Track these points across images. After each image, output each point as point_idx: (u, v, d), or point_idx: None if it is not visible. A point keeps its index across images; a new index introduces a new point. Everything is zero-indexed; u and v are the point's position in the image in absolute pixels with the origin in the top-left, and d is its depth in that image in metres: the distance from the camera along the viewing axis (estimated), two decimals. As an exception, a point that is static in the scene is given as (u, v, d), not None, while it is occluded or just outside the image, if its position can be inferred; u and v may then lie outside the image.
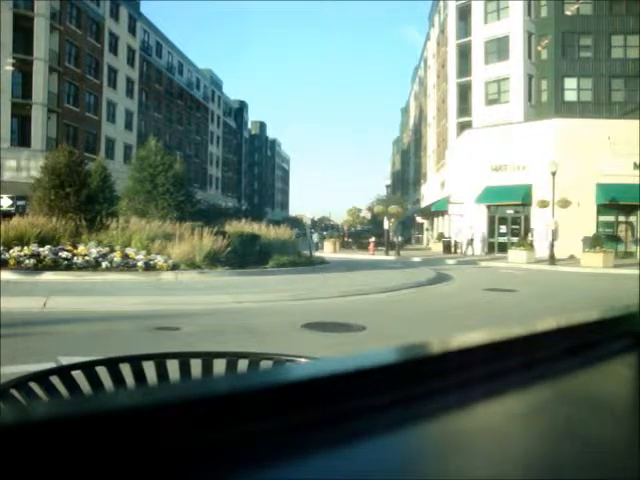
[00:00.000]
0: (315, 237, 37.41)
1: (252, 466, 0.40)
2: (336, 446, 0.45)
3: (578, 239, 24.03)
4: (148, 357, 1.75)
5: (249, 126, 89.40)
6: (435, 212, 39.36)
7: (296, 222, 59.35)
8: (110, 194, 19.41)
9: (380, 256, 26.61)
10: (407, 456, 0.48)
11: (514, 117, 32.73)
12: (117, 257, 13.09)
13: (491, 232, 29.83)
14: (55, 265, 12.47)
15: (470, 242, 29.04)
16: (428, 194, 48.79)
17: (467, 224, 29.36)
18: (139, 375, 1.68)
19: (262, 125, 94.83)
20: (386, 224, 30.10)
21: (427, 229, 47.62)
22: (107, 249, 13.47)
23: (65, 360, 4.64)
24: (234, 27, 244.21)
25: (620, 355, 0.79)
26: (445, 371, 0.59)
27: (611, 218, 27.66)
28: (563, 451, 0.49)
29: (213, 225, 16.14)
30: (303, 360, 1.74)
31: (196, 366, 1.78)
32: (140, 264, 13.03)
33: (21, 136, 34.09)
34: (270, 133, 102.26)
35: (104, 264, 12.84)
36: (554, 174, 21.71)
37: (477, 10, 36.96)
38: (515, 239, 26.76)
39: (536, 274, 18.57)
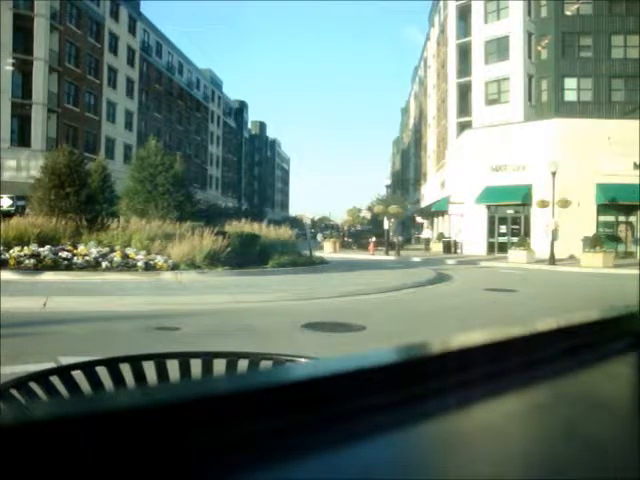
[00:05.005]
0: (319, 237, 37.64)
1: (252, 466, 0.40)
2: (336, 446, 0.45)
3: (578, 239, 24.04)
4: (148, 357, 1.75)
5: (249, 126, 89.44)
6: (435, 212, 39.37)
7: (296, 222, 59.38)
8: (110, 194, 19.43)
9: (380, 256, 26.60)
10: (407, 456, 0.48)
11: (514, 117, 32.74)
12: (117, 257, 13.09)
13: (491, 232, 29.85)
14: (55, 265, 12.47)
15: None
16: (428, 194, 48.80)
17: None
18: (139, 375, 1.68)
19: (262, 125, 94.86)
20: (386, 224, 30.09)
21: (427, 229, 47.61)
22: (107, 249, 13.47)
23: (65, 360, 4.64)
24: (234, 27, 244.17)
25: (620, 355, 0.79)
26: (445, 371, 0.59)
27: (611, 218, 27.67)
28: (563, 451, 0.49)
29: (213, 225, 16.14)
30: (303, 360, 1.74)
31: (196, 366, 1.78)
32: (140, 264, 13.03)
33: (21, 136, 34.11)
34: (270, 133, 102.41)
35: (104, 264, 12.84)
36: (554, 174, 21.72)
37: (477, 10, 36.97)
38: (515, 239, 26.77)
39: (536, 274, 18.57)
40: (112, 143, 42.39)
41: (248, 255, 15.35)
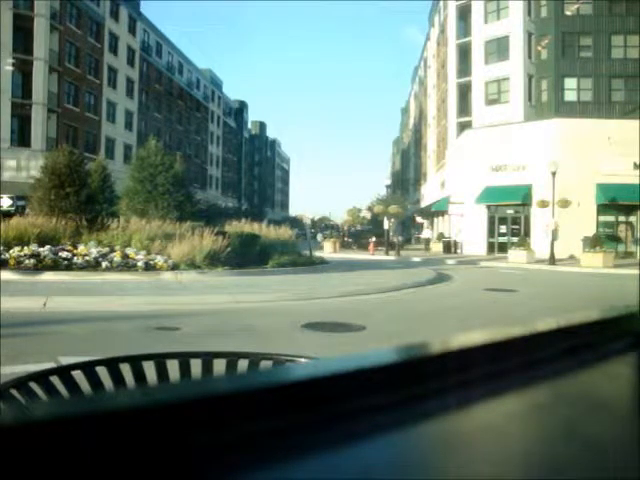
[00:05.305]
0: (319, 237, 37.81)
1: (252, 466, 0.40)
2: (336, 446, 0.45)
3: (578, 239, 24.05)
4: (148, 357, 1.75)
5: (249, 126, 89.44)
6: (435, 212, 39.37)
7: (296, 222, 59.44)
8: (110, 194, 19.43)
9: (380, 256, 26.60)
10: (407, 456, 0.48)
11: (514, 117, 32.74)
12: (117, 257, 13.09)
13: (491, 232, 29.86)
14: (55, 265, 12.47)
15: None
16: (428, 194, 48.81)
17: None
18: (139, 375, 1.68)
19: (262, 125, 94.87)
20: (386, 224, 30.10)
21: (427, 229, 47.60)
22: (107, 249, 13.47)
23: (65, 360, 4.64)
24: (234, 27, 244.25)
25: (620, 355, 0.79)
26: (445, 371, 0.59)
27: (611, 218, 27.68)
28: (563, 451, 0.49)
29: (213, 225, 16.14)
30: (303, 360, 1.74)
31: (196, 366, 1.78)
32: (140, 264, 13.03)
33: (21, 136, 34.11)
34: (270, 133, 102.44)
35: (104, 264, 12.84)
36: (554, 174, 21.72)
37: (477, 10, 36.97)
38: (515, 239, 26.77)
39: (536, 274, 18.58)
40: (112, 143, 42.39)
41: (248, 255, 15.35)
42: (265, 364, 1.82)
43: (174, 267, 13.33)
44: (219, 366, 1.80)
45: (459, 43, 39.18)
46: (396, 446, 0.48)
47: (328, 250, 28.71)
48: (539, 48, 33.75)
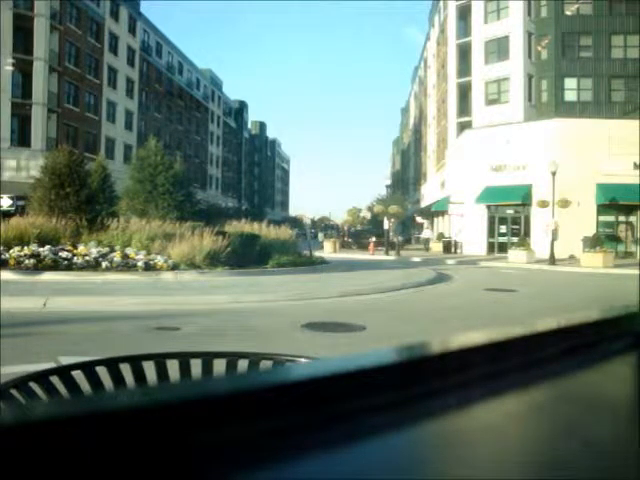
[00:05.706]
0: (320, 236, 38.03)
1: (252, 466, 0.40)
2: (336, 446, 0.45)
3: (578, 239, 24.05)
4: (148, 357, 1.75)
5: (249, 126, 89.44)
6: (435, 212, 39.37)
7: (296, 222, 59.44)
8: (110, 194, 19.43)
9: (380, 256, 26.60)
10: (407, 456, 0.48)
11: (514, 117, 32.73)
12: (117, 257, 13.09)
13: (491, 232, 29.86)
14: (55, 265, 12.47)
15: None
16: (428, 194, 48.80)
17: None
18: (139, 375, 1.68)
19: (262, 125, 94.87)
20: (386, 224, 30.09)
21: (427, 229, 47.58)
22: (107, 249, 13.47)
23: (65, 360, 4.64)
24: (234, 27, 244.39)
25: (620, 355, 0.79)
26: (445, 371, 0.59)
27: (611, 218, 27.67)
28: (563, 451, 0.49)
29: (213, 225, 16.14)
30: (303, 360, 1.74)
31: (196, 366, 1.78)
32: (140, 264, 13.03)
33: (21, 136, 34.09)
34: (270, 133, 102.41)
35: (104, 264, 12.84)
36: (554, 174, 21.72)
37: (477, 10, 36.96)
38: (515, 239, 26.77)
39: (536, 274, 18.58)
40: (112, 143, 42.37)
41: (248, 255, 15.35)
42: (265, 364, 1.82)
43: (174, 267, 13.33)
44: (219, 366, 1.80)
45: (459, 43, 39.17)
46: (396, 446, 0.48)
47: (328, 250, 28.71)
48: (539, 48, 33.75)
